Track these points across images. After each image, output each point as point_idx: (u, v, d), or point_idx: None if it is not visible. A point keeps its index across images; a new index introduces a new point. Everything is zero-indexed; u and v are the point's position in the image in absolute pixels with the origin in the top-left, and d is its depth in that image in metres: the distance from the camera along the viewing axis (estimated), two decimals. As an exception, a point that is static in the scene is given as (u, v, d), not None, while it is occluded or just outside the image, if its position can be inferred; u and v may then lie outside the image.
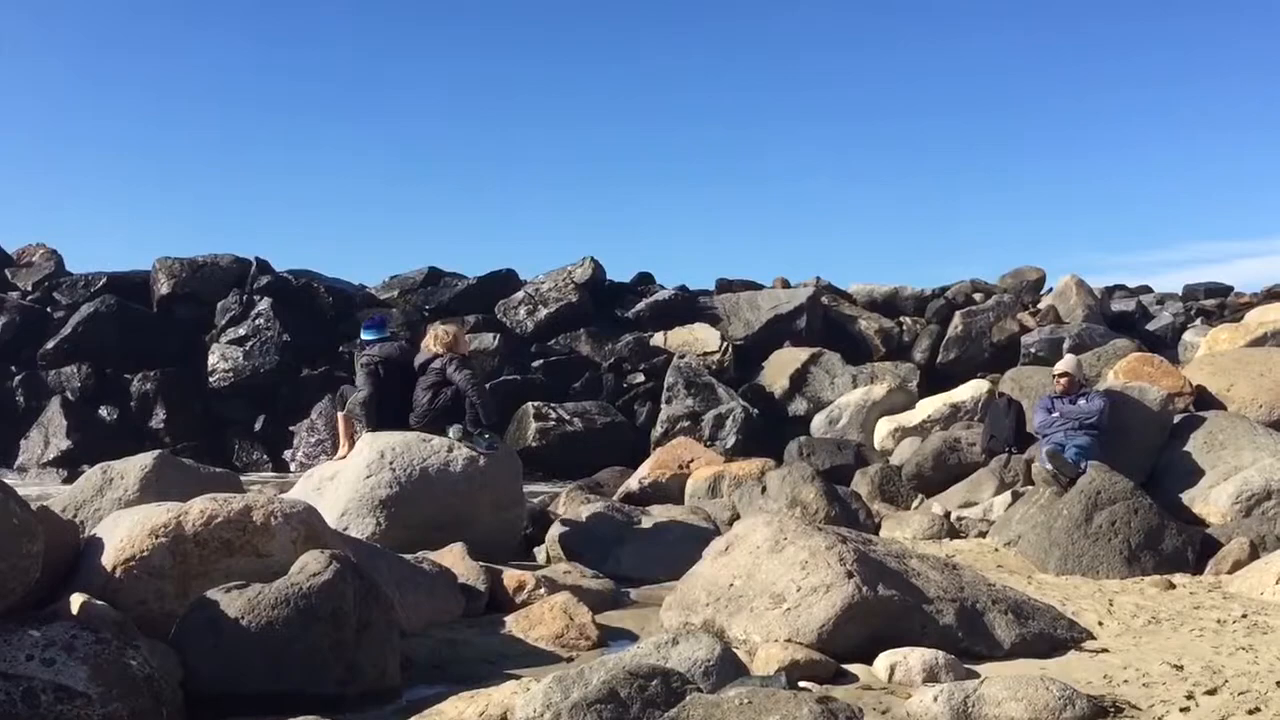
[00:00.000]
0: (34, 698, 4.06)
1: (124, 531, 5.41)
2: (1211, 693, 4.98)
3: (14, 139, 75.05)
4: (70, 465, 16.98)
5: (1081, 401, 9.96)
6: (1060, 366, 10.61)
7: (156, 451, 8.02)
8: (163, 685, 4.38)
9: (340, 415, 9.31)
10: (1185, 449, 9.90)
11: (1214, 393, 11.12)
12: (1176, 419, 10.37)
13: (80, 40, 76.28)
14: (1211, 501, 9.32)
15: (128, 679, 4.24)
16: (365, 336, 9.42)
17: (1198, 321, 21.26)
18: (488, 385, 10.38)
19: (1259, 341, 12.99)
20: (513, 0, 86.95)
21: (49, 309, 20.42)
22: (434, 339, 9.08)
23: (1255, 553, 8.07)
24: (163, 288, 20.38)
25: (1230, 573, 7.87)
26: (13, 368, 19.26)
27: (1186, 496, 9.50)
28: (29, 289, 21.00)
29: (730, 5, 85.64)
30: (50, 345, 19.29)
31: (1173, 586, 7.58)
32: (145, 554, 5.27)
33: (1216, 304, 23.31)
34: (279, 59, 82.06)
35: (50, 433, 17.87)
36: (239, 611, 4.77)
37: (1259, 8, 76.68)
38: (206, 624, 4.79)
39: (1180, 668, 5.42)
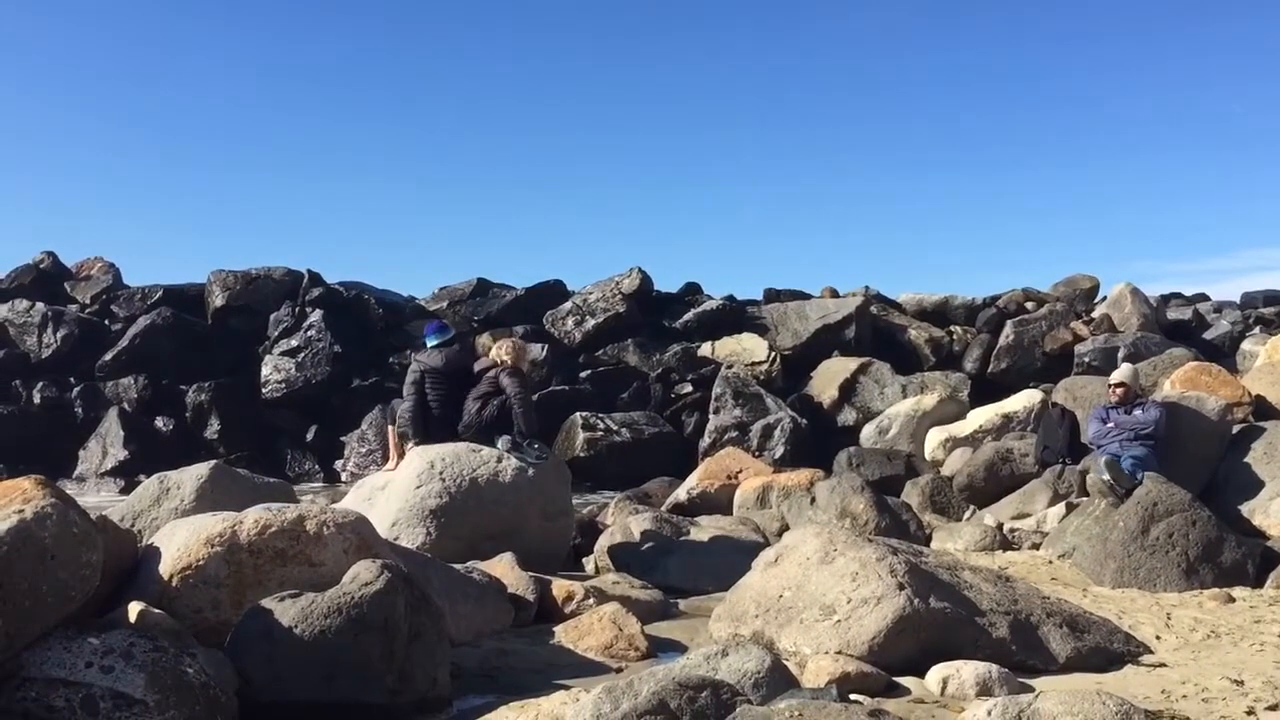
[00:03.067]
0: (93, 704, 4.13)
1: (180, 541, 5.48)
2: (1273, 708, 4.89)
3: (74, 155, 76.66)
4: (127, 475, 17.27)
5: (1138, 412, 9.81)
6: (1116, 376, 10.45)
7: (212, 462, 8.15)
8: (218, 693, 4.44)
9: (391, 428, 9.37)
10: (1244, 460, 9.72)
11: (1273, 403, 10.90)
12: (1235, 429, 10.18)
13: (137, 53, 77.73)
14: (1272, 514, 9.13)
15: (184, 687, 4.30)
16: (429, 342, 9.42)
17: (1256, 330, 20.89)
18: (535, 396, 10.45)
19: (1320, 350, 12.71)
20: (561, 12, 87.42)
21: (107, 321, 20.83)
22: (500, 349, 9.13)
23: (1318, 566, 7.91)
24: (217, 300, 20.70)
25: (1292, 586, 7.71)
26: (71, 379, 19.65)
27: (1246, 508, 9.32)
28: (87, 302, 21.43)
29: (775, 11, 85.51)
30: (108, 357, 19.66)
31: (1232, 600, 7.44)
32: (201, 563, 5.34)
33: (1275, 312, 22.87)
34: (334, 71, 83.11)
35: (108, 443, 18.19)
36: (292, 620, 4.82)
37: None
38: (260, 633, 4.84)
39: (1240, 683, 5.32)
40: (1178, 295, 25.59)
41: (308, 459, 18.75)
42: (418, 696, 4.95)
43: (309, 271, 21.28)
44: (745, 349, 19.75)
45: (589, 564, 8.99)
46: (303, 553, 5.50)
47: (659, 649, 6.27)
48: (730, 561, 7.89)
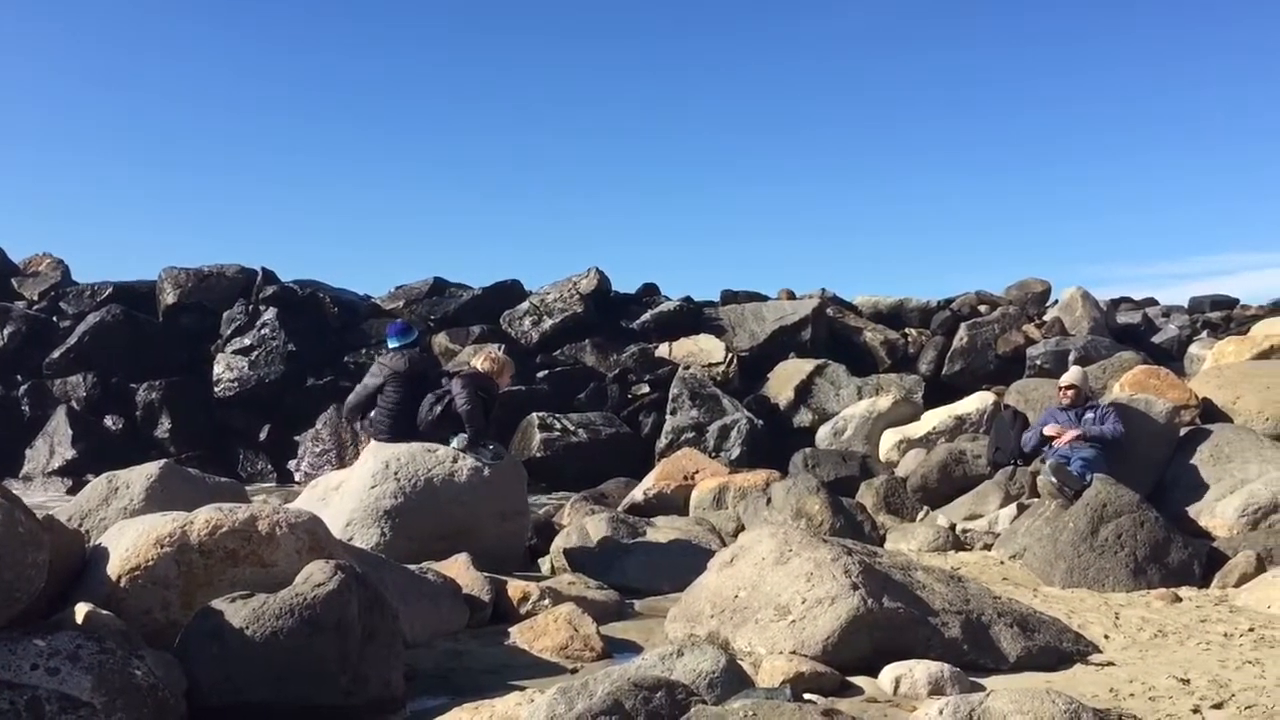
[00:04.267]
0: (38, 707, 4.06)
1: (129, 541, 5.41)
2: (1218, 706, 4.97)
3: (21, 149, 75.36)
4: (75, 474, 17.00)
5: (1089, 415, 9.94)
6: (1066, 378, 10.60)
7: (162, 461, 8.04)
8: (167, 695, 4.38)
9: (362, 432, 9.38)
10: (1191, 461, 9.88)
11: (1220, 405, 11.10)
12: (1182, 431, 10.35)
13: (88, 48, 76.57)
14: (1218, 514, 9.29)
15: (132, 689, 4.24)
16: (391, 343, 9.43)
17: (1203, 334, 21.24)
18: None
19: (1265, 354, 12.96)
20: (517, 12, 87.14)
21: (55, 318, 20.48)
22: (481, 359, 9.22)
23: (1262, 566, 8.05)
24: (168, 297, 20.43)
25: (1237, 586, 7.84)
26: (18, 377, 19.30)
27: (1193, 509, 9.47)
28: (35, 299, 21.07)
29: (734, 15, 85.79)
30: (56, 355, 19.34)
31: (1179, 600, 7.56)
32: (150, 564, 5.27)
33: (1222, 316, 23.28)
34: (286, 69, 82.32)
35: (56, 442, 17.89)
36: (243, 621, 4.76)
37: (1269, 18, 76.75)
38: (211, 634, 4.78)
39: (1187, 681, 5.41)
40: (1127, 299, 25.97)
41: (260, 459, 18.55)
42: (371, 698, 4.92)
43: (263, 269, 21.07)
44: (702, 350, 19.79)
45: (545, 564, 8.97)
46: (254, 553, 5.44)
47: (614, 649, 6.27)
48: (686, 562, 7.91)
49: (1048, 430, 9.99)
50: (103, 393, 18.95)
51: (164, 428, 18.64)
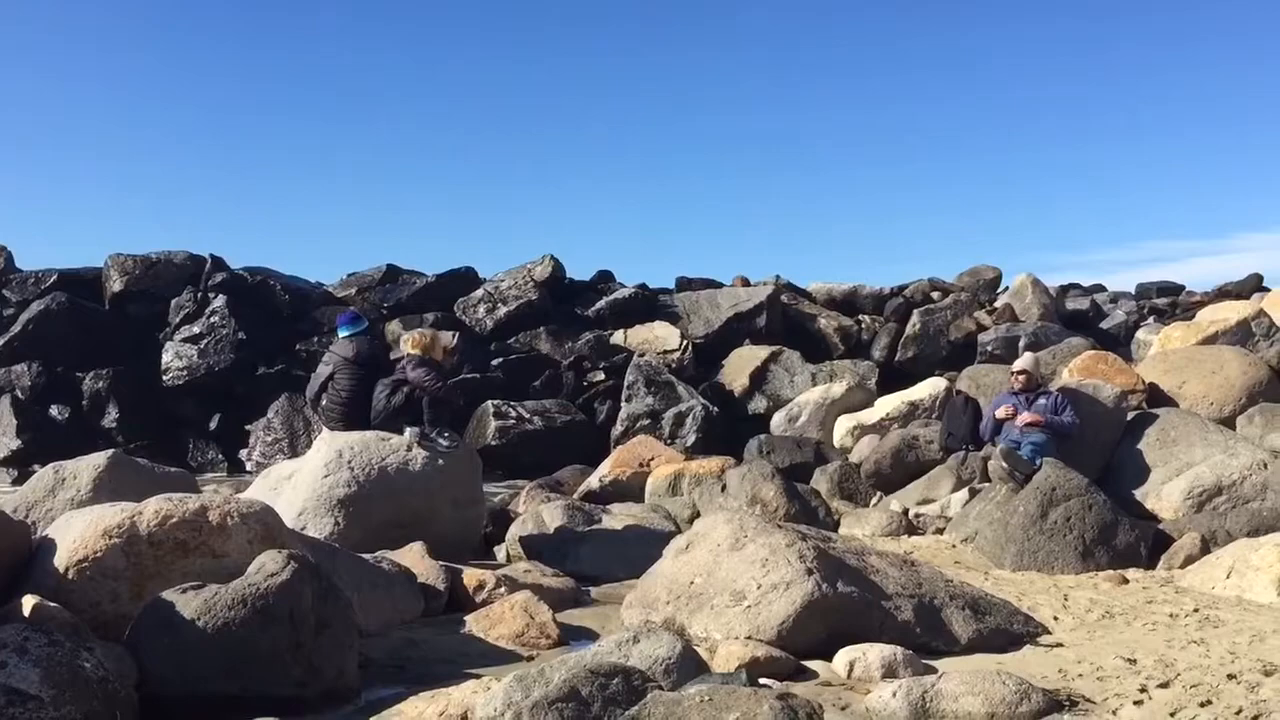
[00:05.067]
0: (-16, 701, 3.99)
1: (77, 532, 5.33)
2: (1164, 686, 5.05)
3: (-38, 134, 73.77)
4: (21, 465, 16.71)
5: (1041, 401, 10.05)
6: (1018, 364, 10.70)
7: (110, 451, 7.92)
8: (117, 688, 4.32)
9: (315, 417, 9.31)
10: (1138, 446, 10.04)
11: (1166, 390, 11.29)
12: (1130, 416, 10.51)
13: (28, 32, 75.09)
14: (1164, 497, 9.45)
15: (81, 681, 4.18)
16: (340, 332, 9.37)
17: (1150, 320, 21.53)
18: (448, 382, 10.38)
19: (1210, 340, 13.19)
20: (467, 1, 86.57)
21: (-2, 306, 20.08)
22: (408, 343, 9.11)
23: (1206, 548, 8.21)
24: (115, 285, 20.09)
25: (1182, 567, 7.99)
26: (-39, 367, 18.92)
27: (1139, 492, 9.63)
28: (-23, 286, 20.64)
29: (689, 3, 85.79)
30: (0, 343, 18.97)
31: (1126, 581, 7.69)
32: (99, 555, 5.21)
33: (1169, 303, 23.63)
34: (233, 54, 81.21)
35: (0, 432, 17.57)
36: (195, 613, 4.71)
37: (1218, 10, 77.93)
38: (161, 625, 4.73)
39: (1133, 661, 5.50)
40: (1076, 286, 26.28)
41: (211, 448, 18.33)
42: (325, 688, 4.89)
43: (212, 256, 20.76)
44: (657, 337, 19.79)
45: (500, 552, 8.95)
46: (205, 544, 5.39)
47: (571, 637, 6.28)
48: (642, 549, 7.93)
49: (999, 413, 10.08)
50: (48, 382, 18.62)
51: (111, 417, 18.36)
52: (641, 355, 18.69)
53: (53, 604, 4.82)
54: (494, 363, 19.10)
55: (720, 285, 22.25)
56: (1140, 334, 19.22)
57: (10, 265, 21.32)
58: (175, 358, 19.02)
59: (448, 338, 18.71)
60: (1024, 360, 10.86)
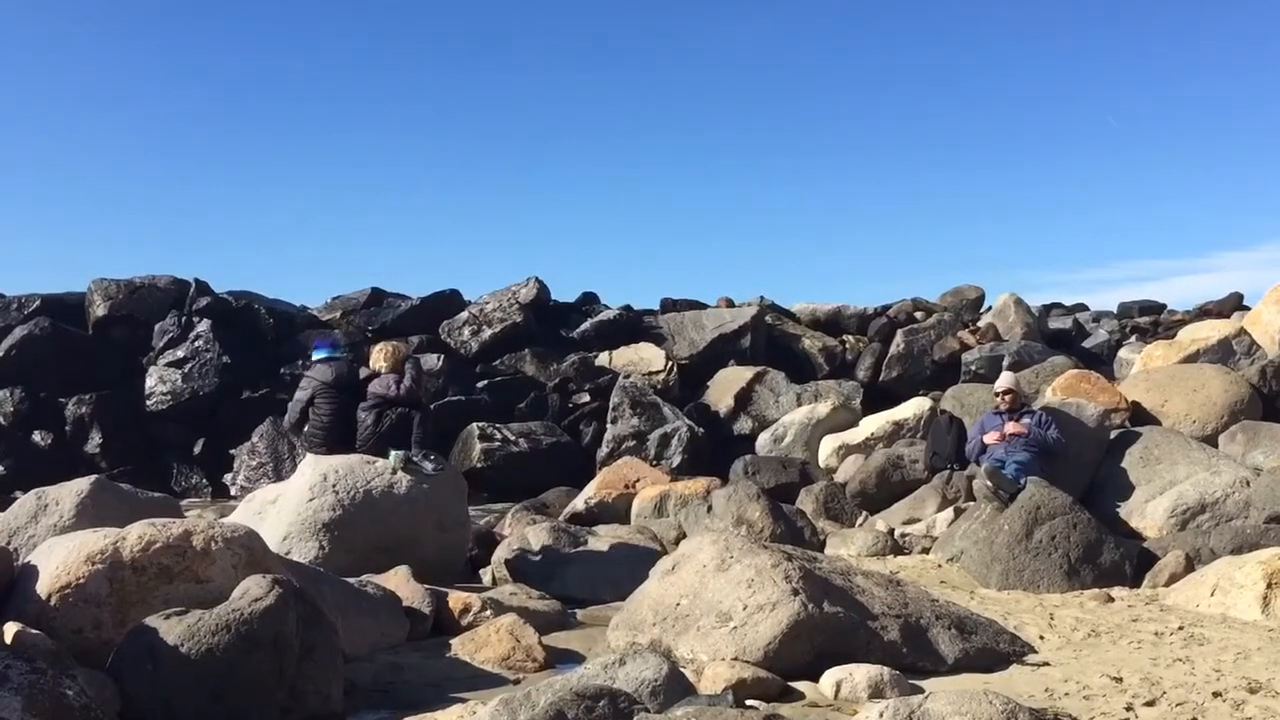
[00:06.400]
0: (-35, 730, 3.96)
1: (59, 558, 5.30)
2: (1150, 704, 5.07)
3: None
4: (2, 491, 16.47)
5: (1025, 419, 10.09)
6: (1002, 383, 10.74)
7: (93, 476, 7.87)
8: (100, 715, 4.29)
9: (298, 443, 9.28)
10: (1122, 464, 10.08)
11: (1149, 409, 11.35)
12: (1113, 434, 10.56)
13: (9, 51, 74.90)
14: (1148, 515, 9.49)
15: (63, 709, 4.15)
16: (315, 356, 9.38)
17: (1132, 339, 21.62)
18: (431, 406, 10.39)
19: (1192, 358, 13.28)
20: (451, 17, 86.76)
21: (-20, 332, 19.96)
22: (380, 355, 9.09)
23: (1191, 565, 8.24)
24: (98, 310, 20.01)
25: (1167, 585, 8.02)
26: (-57, 392, 18.79)
27: (1124, 510, 9.67)
28: (-41, 312, 20.52)
29: (671, 21, 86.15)
30: (-19, 368, 18.85)
31: (1111, 600, 7.71)
32: (81, 581, 5.17)
33: (1150, 321, 23.74)
34: (214, 77, 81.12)
35: (-18, 458, 17.44)
36: (178, 639, 4.69)
37: (1197, 31, 78.69)
38: (145, 652, 4.70)
39: (1119, 680, 5.51)
40: (1058, 305, 26.39)
41: (195, 473, 18.22)
42: (310, 713, 4.86)
43: (196, 280, 20.70)
44: (642, 358, 19.81)
45: (486, 575, 8.92)
46: (189, 569, 5.37)
47: (557, 659, 6.26)
48: (628, 570, 7.92)
49: (988, 438, 10.12)
50: (31, 407, 18.50)
51: (95, 442, 18.25)
52: (627, 377, 18.70)
53: (35, 631, 4.79)
54: (479, 385, 19.08)
55: (705, 306, 22.29)
56: (1123, 353, 19.33)
57: (-8, 290, 21.21)
58: (159, 382, 18.94)
59: (432, 360, 18.72)
60: (1007, 379, 10.91)
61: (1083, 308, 26.44)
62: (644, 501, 11.23)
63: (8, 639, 4.64)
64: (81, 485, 7.50)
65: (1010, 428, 9.87)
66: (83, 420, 18.41)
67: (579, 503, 11.80)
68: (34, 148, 74.10)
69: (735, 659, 5.66)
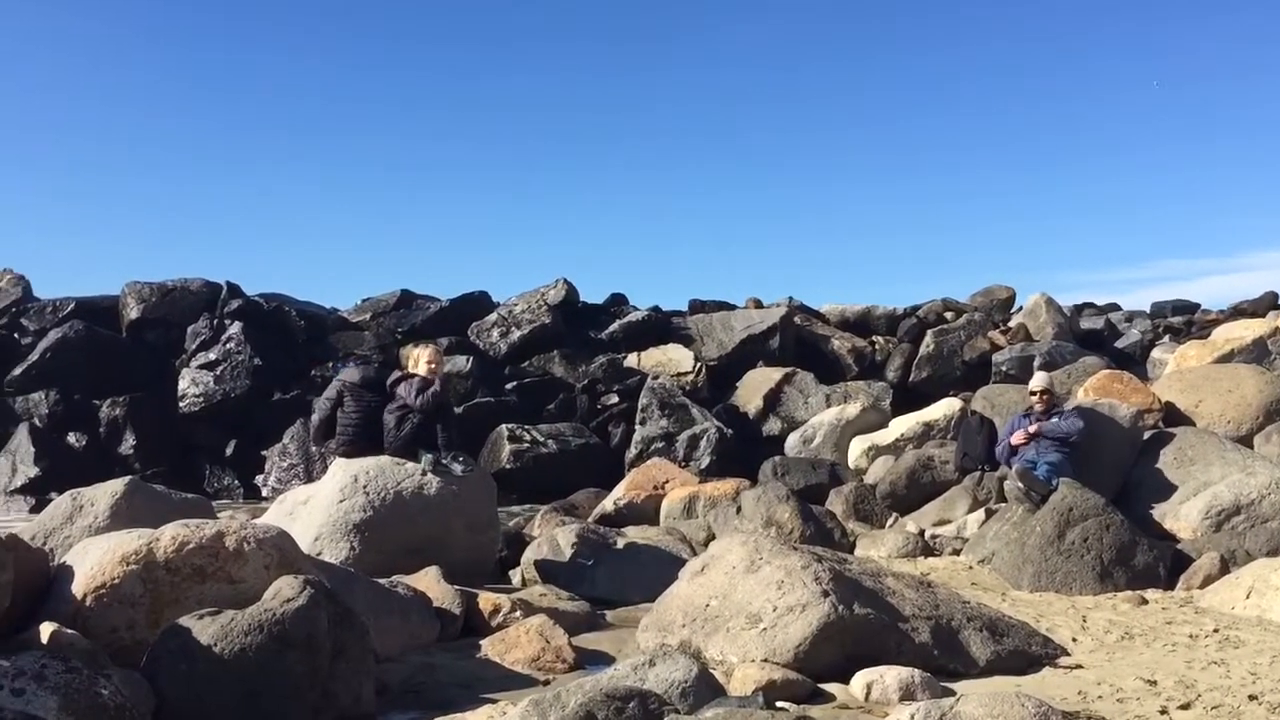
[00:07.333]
0: (3, 729, 4.01)
1: (94, 559, 5.35)
2: (1185, 707, 5.02)
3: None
4: (38, 493, 16.77)
5: (1055, 419, 10.02)
6: (1038, 383, 10.65)
7: (127, 478, 7.95)
8: (134, 715, 4.34)
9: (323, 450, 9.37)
10: (1156, 465, 9.99)
11: (1182, 409, 11.24)
12: (1146, 435, 10.47)
13: (40, 55, 75.77)
14: (1182, 517, 9.40)
15: (98, 709, 4.19)
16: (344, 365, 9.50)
17: (1165, 339, 21.45)
18: (459, 409, 10.40)
19: (1226, 358, 13.14)
20: (481, 18, 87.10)
21: (16, 335, 20.21)
22: (417, 359, 9.11)
23: (1226, 567, 8.15)
24: (132, 312, 20.22)
25: (1201, 587, 7.94)
26: (-21, 394, 19.05)
27: (1157, 512, 9.58)
28: (-4, 315, 20.79)
29: (699, 21, 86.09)
30: (18, 371, 19.08)
31: (1145, 602, 7.64)
32: (116, 582, 5.22)
33: (1184, 321, 23.52)
34: (248, 80, 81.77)
35: (18, 460, 17.64)
36: (211, 639, 4.72)
37: (1227, 28, 77.88)
38: (178, 652, 4.74)
39: (1154, 683, 5.46)
40: (1090, 305, 26.20)
41: (227, 474, 18.39)
42: (341, 713, 4.89)
43: (227, 283, 20.89)
44: (671, 359, 19.82)
45: (515, 576, 8.95)
46: (222, 569, 5.41)
47: (587, 660, 6.26)
48: (657, 572, 7.92)
49: (1014, 439, 10.07)
50: (66, 410, 18.73)
51: (128, 444, 18.44)
52: (655, 378, 18.71)
53: (70, 631, 4.83)
54: (508, 386, 19.14)
55: (733, 307, 22.27)
56: (1156, 353, 19.17)
57: (28, 294, 21.48)
58: (191, 384, 19.12)
59: (461, 361, 18.79)
60: (1041, 379, 10.82)
61: (1115, 307, 26.23)
62: (673, 503, 11.22)
63: (44, 639, 4.69)
64: (116, 486, 7.57)
65: (1017, 437, 9.89)
66: (117, 422, 18.62)
67: (608, 504, 11.81)
68: (68, 151, 74.94)
69: (765, 660, 5.65)
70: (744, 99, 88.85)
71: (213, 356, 19.38)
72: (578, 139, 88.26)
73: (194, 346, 19.70)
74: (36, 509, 14.89)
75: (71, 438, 18.49)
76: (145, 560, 5.28)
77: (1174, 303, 25.31)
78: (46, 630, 4.75)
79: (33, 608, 5.24)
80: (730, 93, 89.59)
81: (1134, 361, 19.39)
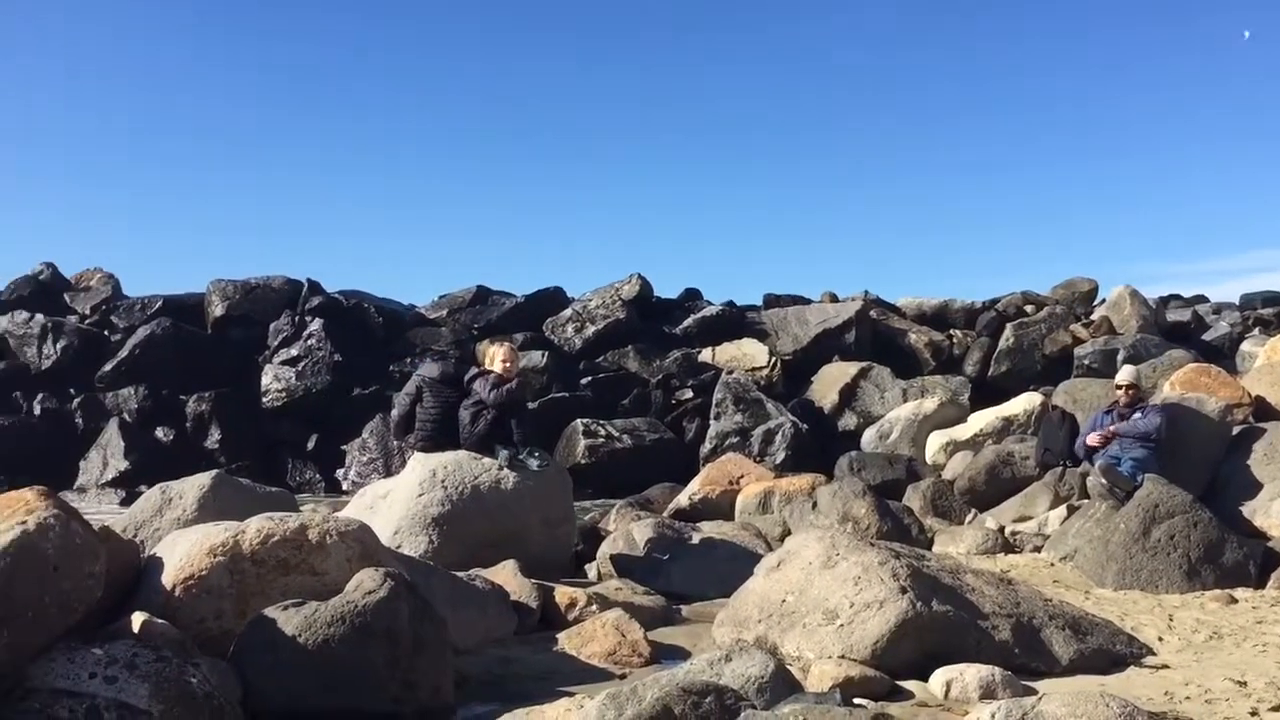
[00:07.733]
0: (97, 715, 4.13)
1: (183, 551, 5.49)
2: (1276, 709, 4.90)
3: (70, 164, 76.70)
4: (128, 486, 17.24)
5: (1137, 416, 9.81)
6: (1124, 377, 10.45)
7: (213, 471, 8.16)
8: (222, 703, 4.44)
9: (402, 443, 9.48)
10: (1245, 461, 9.73)
11: (1273, 403, 10.91)
12: (1235, 430, 10.19)
13: (136, 59, 77.78)
14: (1273, 514, 9.14)
15: (188, 697, 4.30)
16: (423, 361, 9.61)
17: (1255, 331, 20.89)
18: (534, 404, 10.45)
19: (1319, 351, 12.72)
20: (558, 18, 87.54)
21: (106, 332, 20.82)
22: (494, 356, 9.17)
23: (1319, 566, 7.92)
24: (217, 309, 20.71)
25: (1294, 587, 7.72)
26: (72, 390, 19.64)
27: (1247, 509, 9.32)
28: (87, 312, 21.43)
29: (769, 14, 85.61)
30: (108, 368, 19.65)
31: (1234, 601, 7.45)
32: (204, 573, 5.35)
33: (1274, 313, 22.86)
34: (332, 85, 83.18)
35: (109, 454, 18.17)
36: (296, 629, 4.82)
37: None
38: (264, 642, 4.84)
39: (1244, 684, 5.33)
40: (1176, 297, 25.60)
41: (309, 468, 18.74)
42: (421, 705, 4.95)
43: (308, 280, 21.30)
44: (745, 354, 19.76)
45: (591, 570, 8.99)
46: (305, 562, 5.51)
47: (662, 655, 6.27)
48: (732, 567, 7.90)
49: (1090, 440, 9.91)
50: (154, 405, 19.24)
51: (214, 438, 18.89)
52: (730, 373, 18.67)
53: (160, 621, 4.95)
54: (583, 382, 19.25)
55: (808, 301, 22.15)
56: (1245, 345, 18.67)
57: (118, 292, 22.12)
58: (274, 380, 19.51)
59: (536, 356, 18.90)
60: (1128, 373, 10.60)
61: (1202, 299, 25.60)
62: (748, 498, 11.19)
63: (135, 628, 4.81)
64: (203, 480, 7.77)
65: (1093, 438, 9.74)
66: (202, 417, 19.08)
67: (683, 499, 11.81)
68: (157, 153, 76.84)
69: (842, 657, 5.61)
70: (819, 92, 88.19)
71: (294, 353, 19.76)
72: (655, 134, 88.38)
73: (276, 343, 20.11)
74: (127, 502, 15.32)
75: (160, 432, 18.98)
76: (232, 552, 5.40)
77: (1264, 294, 24.60)
78: (138, 620, 4.88)
79: (124, 598, 5.38)
80: (808, 86, 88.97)
81: (1222, 355, 18.90)
